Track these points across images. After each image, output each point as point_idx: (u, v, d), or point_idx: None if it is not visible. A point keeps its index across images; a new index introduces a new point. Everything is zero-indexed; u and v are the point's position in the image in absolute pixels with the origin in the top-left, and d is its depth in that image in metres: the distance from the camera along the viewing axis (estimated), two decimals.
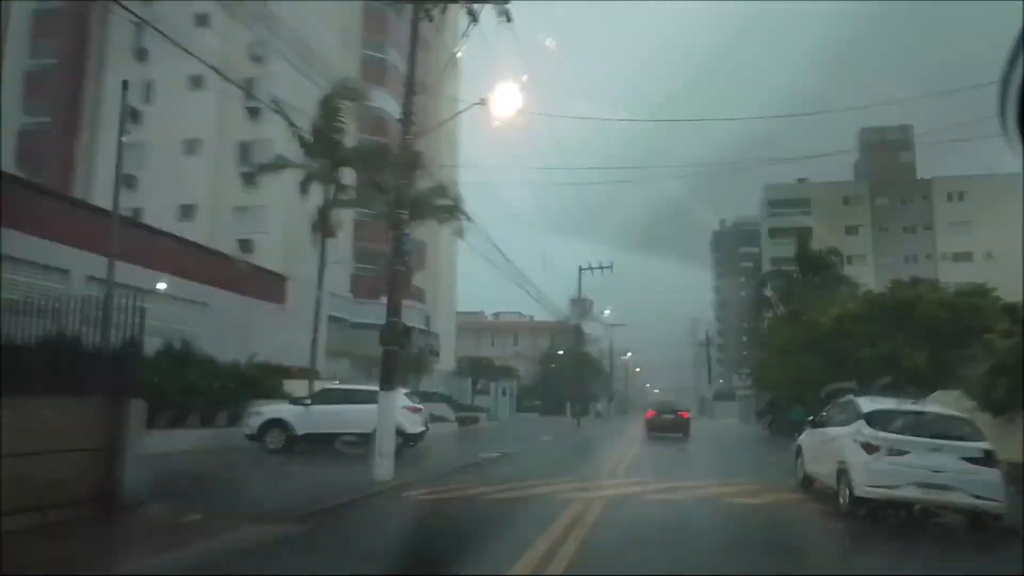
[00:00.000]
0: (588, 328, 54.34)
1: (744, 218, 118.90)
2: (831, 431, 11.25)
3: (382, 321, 12.65)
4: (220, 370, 18.30)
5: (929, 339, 22.31)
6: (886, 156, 67.95)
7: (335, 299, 32.93)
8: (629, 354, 77.09)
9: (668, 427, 31.12)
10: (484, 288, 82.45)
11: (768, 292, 40.74)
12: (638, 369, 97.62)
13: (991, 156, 44.41)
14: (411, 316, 36.58)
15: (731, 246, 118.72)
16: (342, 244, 32.68)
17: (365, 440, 14.26)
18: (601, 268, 38.31)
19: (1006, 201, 48.32)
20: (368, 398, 13.54)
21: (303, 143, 20.26)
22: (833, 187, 67.00)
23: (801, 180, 67.39)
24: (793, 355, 28.67)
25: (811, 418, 13.04)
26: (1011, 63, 1.70)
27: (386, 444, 11.93)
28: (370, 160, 21.35)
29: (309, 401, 16.72)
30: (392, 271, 13.26)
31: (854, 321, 26.51)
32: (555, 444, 25.80)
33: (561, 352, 61.45)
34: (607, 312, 44.32)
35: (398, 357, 12.97)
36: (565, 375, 59.56)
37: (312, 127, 20.04)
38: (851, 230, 64.55)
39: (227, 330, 21.09)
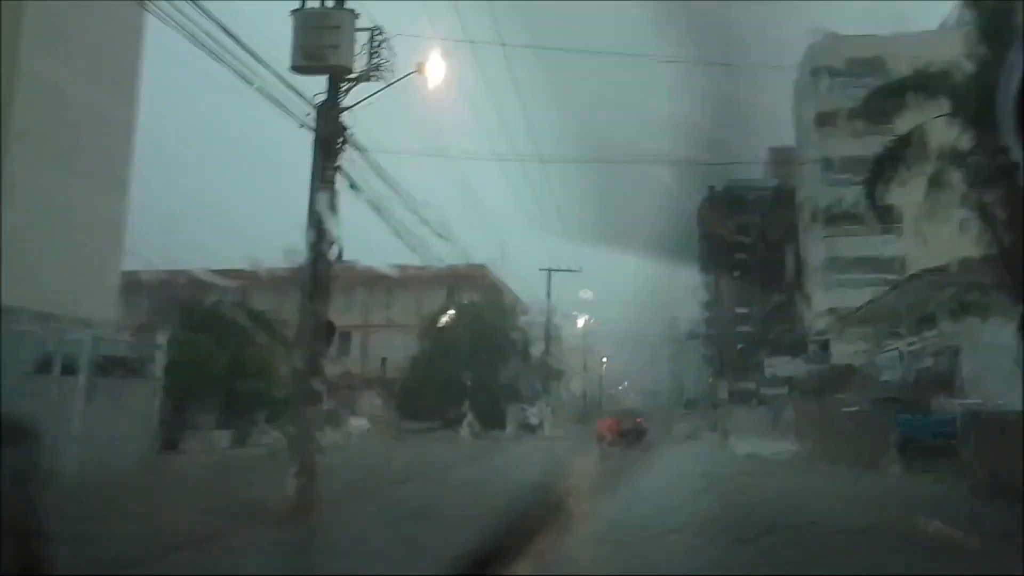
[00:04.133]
0: None
1: (737, 182, 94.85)
2: None
3: None
4: None
5: None
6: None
7: None
8: (582, 319, 48.16)
9: (627, 433, 30.16)
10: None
11: None
12: (604, 359, 70.12)
13: None
14: None
15: (722, 216, 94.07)
16: None
17: None
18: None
19: None
20: None
21: None
22: (923, 41, 39.78)
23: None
24: None
25: None
26: (1010, 63, 1.65)
27: None
28: None
29: None
30: None
31: None
32: None
33: (450, 313, 33.91)
34: None
35: None
36: (459, 352, 32.48)
37: None
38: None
39: None
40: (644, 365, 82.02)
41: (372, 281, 40.74)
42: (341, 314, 40.42)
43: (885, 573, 6.66)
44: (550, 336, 38.51)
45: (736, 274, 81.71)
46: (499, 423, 33.74)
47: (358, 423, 27.13)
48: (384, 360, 34.56)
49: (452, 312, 33.53)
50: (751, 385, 44.31)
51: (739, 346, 74.43)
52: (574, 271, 39.21)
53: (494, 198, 63.11)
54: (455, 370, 32.33)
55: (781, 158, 74.63)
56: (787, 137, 57.62)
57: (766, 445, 23.72)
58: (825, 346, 26.94)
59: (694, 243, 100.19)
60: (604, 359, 69.54)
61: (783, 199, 57.49)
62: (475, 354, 33.61)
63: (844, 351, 32.84)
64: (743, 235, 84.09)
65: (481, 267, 38.24)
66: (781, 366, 33.16)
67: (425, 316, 35.33)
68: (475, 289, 37.18)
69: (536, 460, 22.37)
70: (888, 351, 28.53)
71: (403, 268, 36.68)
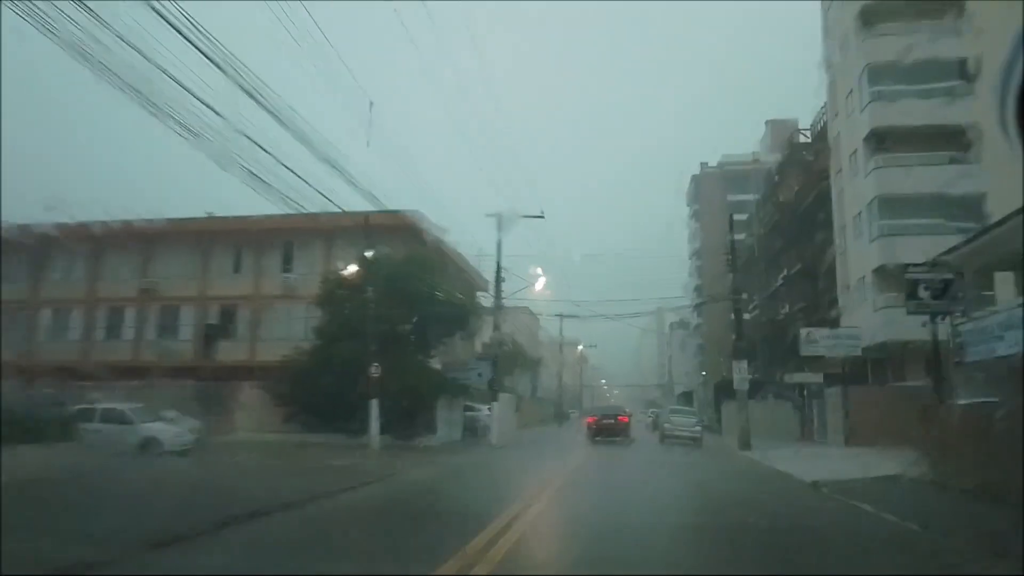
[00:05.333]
0: None
1: (732, 157, 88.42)
2: None
3: None
4: None
5: None
6: None
7: None
8: (539, 277, 37.35)
9: (610, 431, 30.84)
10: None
11: None
12: (580, 346, 60.52)
13: None
14: None
15: (717, 193, 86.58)
16: None
17: None
18: None
19: None
20: None
21: None
22: None
23: None
24: None
25: None
26: (1010, 63, 1.61)
27: None
28: None
29: None
30: None
31: None
32: None
33: (356, 273, 24.12)
34: None
35: None
36: (369, 328, 22.90)
37: None
38: None
39: None
40: (628, 355, 73.07)
41: (262, 237, 30.81)
42: (219, 281, 30.57)
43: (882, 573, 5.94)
44: (500, 301, 28.63)
45: (728, 256, 73.17)
46: (425, 427, 24.02)
47: (175, 430, 17.41)
48: (213, 325, 24.51)
49: (359, 272, 23.72)
50: (763, 373, 34.87)
51: (733, 337, 65.64)
52: (536, 216, 29.69)
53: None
54: (362, 353, 22.57)
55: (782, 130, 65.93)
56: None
57: (835, 459, 14.07)
58: (943, 292, 17.09)
59: (683, 222, 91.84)
60: (580, 347, 59.70)
61: (794, 158, 48.66)
62: (394, 332, 23.91)
63: (895, 320, 23.34)
64: (737, 213, 75.77)
65: (414, 214, 28.58)
66: (823, 341, 23.49)
67: (325, 280, 25.49)
68: (403, 243, 27.35)
69: (443, 497, 12.73)
70: (990, 316, 19.07)
71: (308, 218, 26.79)
